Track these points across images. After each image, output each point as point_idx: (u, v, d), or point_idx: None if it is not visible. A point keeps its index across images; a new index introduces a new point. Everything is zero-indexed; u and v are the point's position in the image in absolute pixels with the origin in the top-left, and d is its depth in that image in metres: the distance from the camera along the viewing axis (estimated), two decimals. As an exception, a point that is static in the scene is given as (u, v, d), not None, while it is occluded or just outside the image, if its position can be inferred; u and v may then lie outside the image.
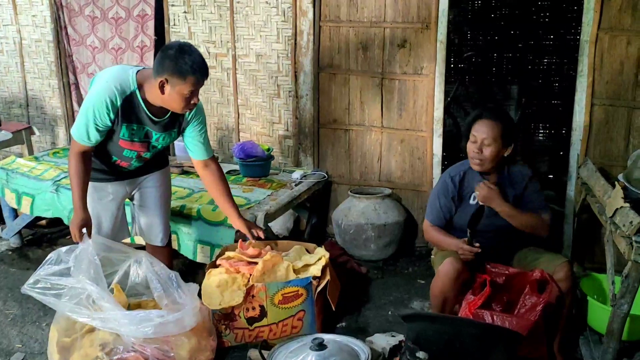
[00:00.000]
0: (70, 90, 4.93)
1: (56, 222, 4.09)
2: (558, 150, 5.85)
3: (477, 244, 2.60)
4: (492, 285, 2.48)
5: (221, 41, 4.28)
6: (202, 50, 4.28)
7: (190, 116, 2.64)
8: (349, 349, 2.03)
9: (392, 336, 2.32)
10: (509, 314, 2.41)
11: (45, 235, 4.24)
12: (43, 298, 2.34)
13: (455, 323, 2.08)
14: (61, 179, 3.69)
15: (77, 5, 4.62)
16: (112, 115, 2.42)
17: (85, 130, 2.43)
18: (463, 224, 2.74)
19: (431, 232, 2.88)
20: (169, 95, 2.38)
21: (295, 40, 4.02)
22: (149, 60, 4.54)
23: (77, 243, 2.49)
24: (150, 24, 4.48)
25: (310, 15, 3.93)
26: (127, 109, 2.45)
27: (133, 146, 2.58)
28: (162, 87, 2.36)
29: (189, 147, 2.78)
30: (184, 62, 2.31)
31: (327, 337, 2.06)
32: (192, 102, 2.43)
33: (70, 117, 4.99)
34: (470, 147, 2.71)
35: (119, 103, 2.41)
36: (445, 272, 2.62)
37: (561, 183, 4.96)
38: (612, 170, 3.34)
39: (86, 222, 2.49)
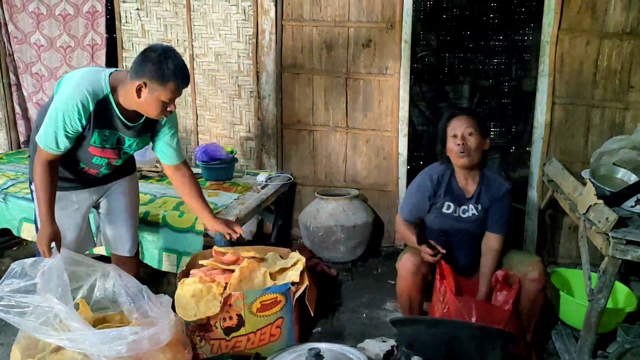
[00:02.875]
0: (11, 92, 4.63)
1: (1, 232, 3.82)
2: (508, 147, 6.03)
3: (442, 251, 2.61)
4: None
5: (177, 40, 4.12)
6: (157, 49, 4.14)
7: (164, 120, 2.51)
8: (345, 358, 1.97)
9: (383, 341, 2.28)
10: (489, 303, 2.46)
11: (-11, 247, 3.95)
12: (6, 317, 2.14)
13: (452, 326, 2.06)
14: (9, 186, 3.44)
15: (19, 1, 4.34)
16: (84, 121, 2.25)
17: (53, 137, 2.25)
18: (435, 225, 2.77)
19: (400, 228, 2.89)
20: (145, 100, 2.24)
21: (257, 39, 3.92)
22: (100, 60, 4.33)
23: (41, 257, 2.30)
24: (101, 21, 4.26)
25: (272, 13, 3.84)
26: (100, 113, 2.28)
27: (104, 153, 2.42)
28: (139, 91, 2.22)
29: (159, 151, 2.64)
30: (167, 67, 2.18)
31: (322, 346, 1.99)
32: (168, 109, 2.31)
33: (11, 120, 4.68)
34: (452, 143, 2.70)
35: (91, 108, 2.25)
36: (404, 266, 2.68)
37: (511, 179, 5.12)
38: (572, 167, 3.43)
39: (55, 236, 2.31)
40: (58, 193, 2.43)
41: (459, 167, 2.74)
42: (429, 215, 2.81)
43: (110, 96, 2.28)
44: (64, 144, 2.27)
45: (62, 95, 2.24)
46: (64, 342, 2.21)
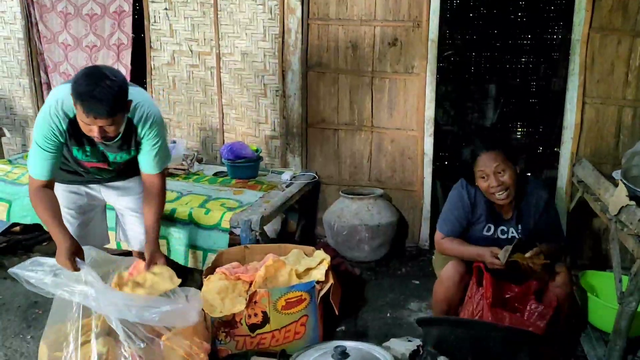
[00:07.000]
0: (42, 90, 4.71)
1: (31, 228, 3.90)
2: (536, 147, 5.94)
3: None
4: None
5: (204, 39, 4.15)
6: (184, 48, 4.18)
7: (142, 132, 2.41)
8: (372, 357, 1.97)
9: (409, 341, 2.27)
10: (523, 317, 2.39)
11: (19, 242, 4.02)
12: (33, 276, 2.14)
13: (480, 327, 2.03)
14: (39, 183, 3.51)
15: (48, 1, 4.42)
16: (61, 139, 2.27)
17: (39, 162, 2.28)
18: (474, 237, 2.67)
19: (448, 244, 2.68)
20: (78, 114, 2.16)
21: (283, 38, 3.93)
22: (125, 59, 4.38)
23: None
24: (128, 21, 4.31)
25: (299, 13, 3.84)
26: (74, 132, 2.28)
27: (92, 164, 2.48)
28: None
29: (139, 159, 2.51)
30: (77, 87, 2.06)
31: (348, 344, 1.99)
32: (91, 132, 2.17)
33: (41, 118, 4.77)
34: (485, 185, 2.54)
35: (64, 127, 2.26)
36: (448, 276, 2.59)
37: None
38: (602, 168, 3.37)
39: (75, 250, 2.22)
40: (71, 186, 2.49)
41: (499, 204, 2.60)
42: (470, 237, 2.68)
43: None
44: (50, 168, 2.29)
45: (39, 117, 2.28)
46: (92, 303, 2.14)
